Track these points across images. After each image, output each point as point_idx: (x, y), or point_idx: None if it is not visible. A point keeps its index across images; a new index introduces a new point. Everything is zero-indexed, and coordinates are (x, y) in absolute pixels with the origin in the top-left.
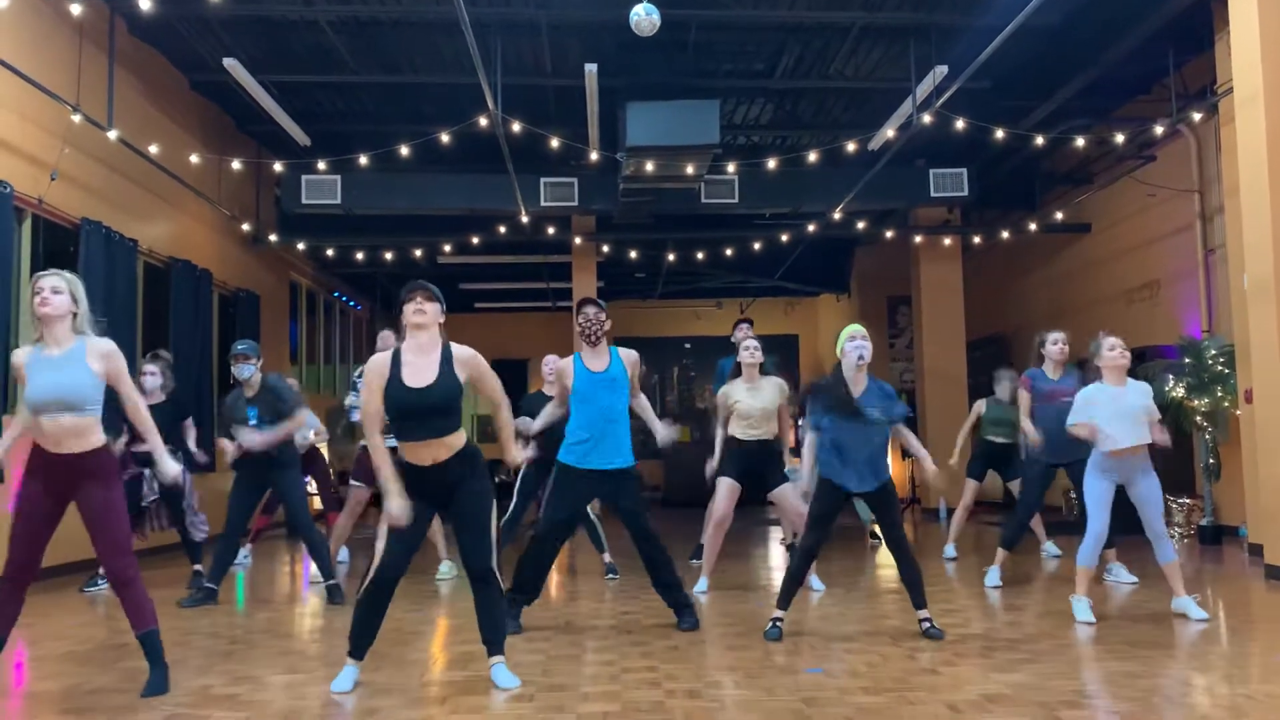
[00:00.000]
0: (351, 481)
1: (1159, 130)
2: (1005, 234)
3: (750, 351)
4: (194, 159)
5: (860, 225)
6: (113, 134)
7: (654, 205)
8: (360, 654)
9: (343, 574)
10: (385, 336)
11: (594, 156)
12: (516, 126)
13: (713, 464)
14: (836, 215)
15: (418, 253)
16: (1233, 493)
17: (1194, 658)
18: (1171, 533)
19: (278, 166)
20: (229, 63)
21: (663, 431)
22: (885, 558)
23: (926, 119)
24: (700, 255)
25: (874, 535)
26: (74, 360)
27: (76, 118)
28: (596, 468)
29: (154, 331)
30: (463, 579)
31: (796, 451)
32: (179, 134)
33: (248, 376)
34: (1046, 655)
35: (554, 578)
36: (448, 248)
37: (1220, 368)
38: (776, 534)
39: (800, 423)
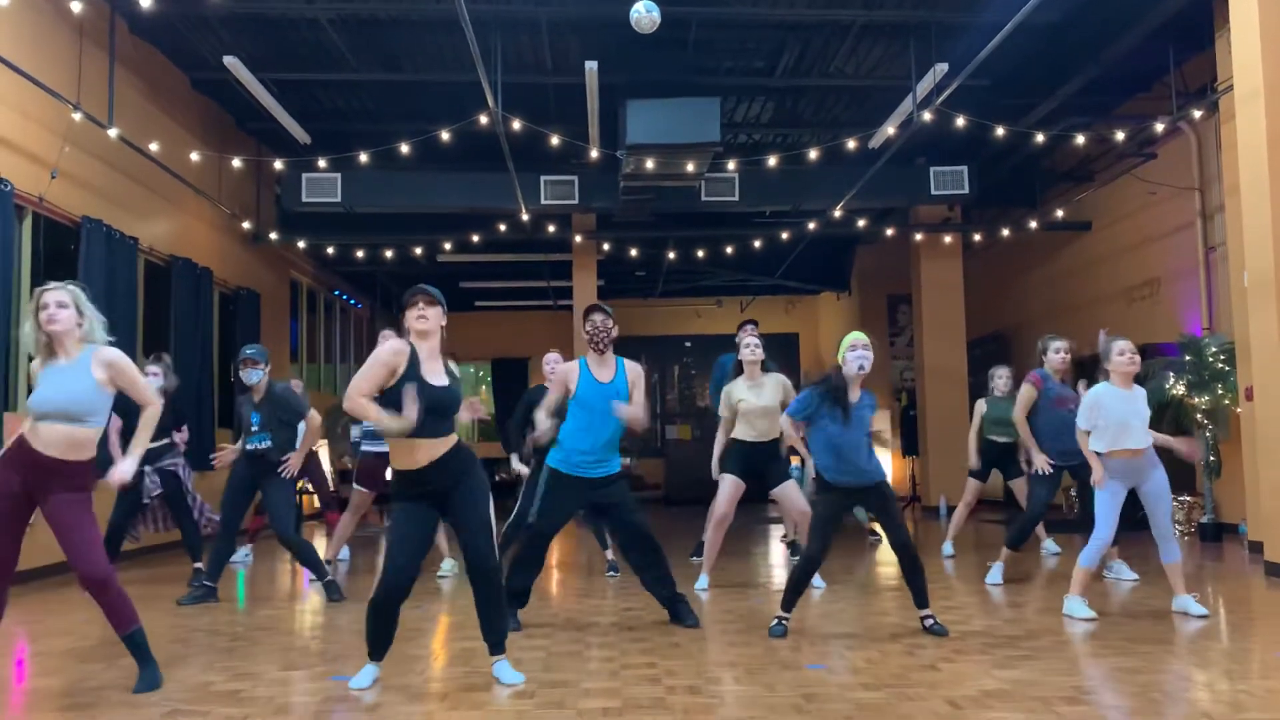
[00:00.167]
0: (355, 485)
1: (1159, 128)
2: (1006, 232)
3: (751, 349)
4: (194, 157)
5: (861, 223)
6: (113, 132)
7: (654, 203)
8: (379, 655)
9: (343, 572)
10: (386, 335)
11: (594, 154)
12: (517, 124)
13: (715, 464)
14: (837, 213)
15: (418, 251)
16: (1233, 490)
17: (1194, 654)
18: (1172, 530)
19: (278, 164)
20: (229, 61)
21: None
22: (884, 555)
23: (927, 117)
24: (701, 253)
25: (873, 533)
26: (79, 370)
27: (77, 116)
28: (591, 476)
29: (154, 330)
30: (463, 576)
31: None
32: (179, 132)
33: (255, 382)
34: (1046, 651)
35: (555, 575)
36: (448, 246)
37: (1220, 365)
38: (777, 532)
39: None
